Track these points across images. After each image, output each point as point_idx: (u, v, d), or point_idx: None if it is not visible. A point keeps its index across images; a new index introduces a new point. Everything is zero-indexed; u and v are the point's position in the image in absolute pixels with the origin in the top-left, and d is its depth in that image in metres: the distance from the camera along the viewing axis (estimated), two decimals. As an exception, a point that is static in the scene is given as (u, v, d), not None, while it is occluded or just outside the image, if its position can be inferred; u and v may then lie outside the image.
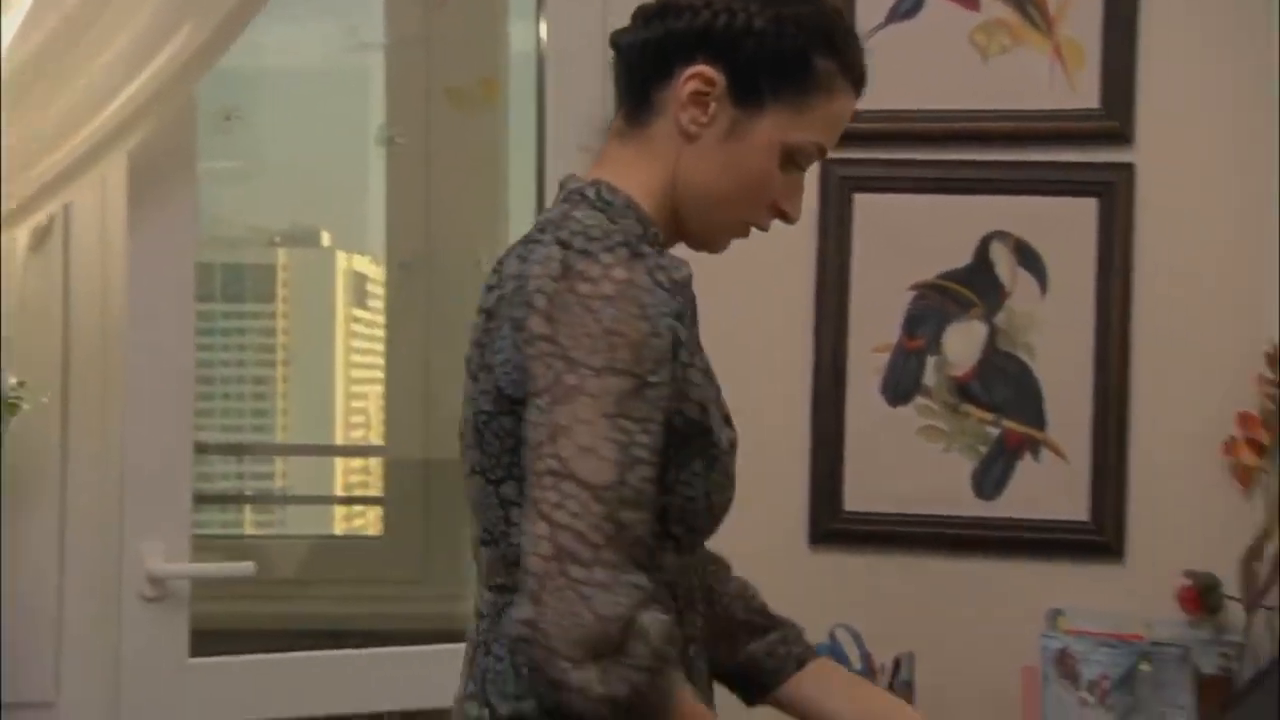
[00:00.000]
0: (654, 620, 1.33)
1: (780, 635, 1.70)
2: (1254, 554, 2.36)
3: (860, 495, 2.58)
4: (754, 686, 1.69)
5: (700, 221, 1.57)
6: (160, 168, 2.25)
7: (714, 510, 1.51)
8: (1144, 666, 2.31)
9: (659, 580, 1.45)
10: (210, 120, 2.92)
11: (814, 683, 1.68)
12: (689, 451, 1.47)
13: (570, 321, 1.39)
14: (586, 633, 1.30)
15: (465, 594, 2.93)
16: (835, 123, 1.57)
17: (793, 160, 1.55)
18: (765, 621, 1.71)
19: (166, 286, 2.29)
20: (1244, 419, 2.43)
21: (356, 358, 3.68)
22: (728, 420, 1.54)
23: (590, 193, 1.53)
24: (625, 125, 1.57)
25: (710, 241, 1.61)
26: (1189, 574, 2.40)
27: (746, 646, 1.68)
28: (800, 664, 1.68)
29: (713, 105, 1.52)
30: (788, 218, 1.59)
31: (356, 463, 3.82)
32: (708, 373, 1.52)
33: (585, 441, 1.35)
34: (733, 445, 1.52)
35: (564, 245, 1.43)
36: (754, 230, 1.60)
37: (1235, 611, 2.39)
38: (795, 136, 1.54)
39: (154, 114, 2.11)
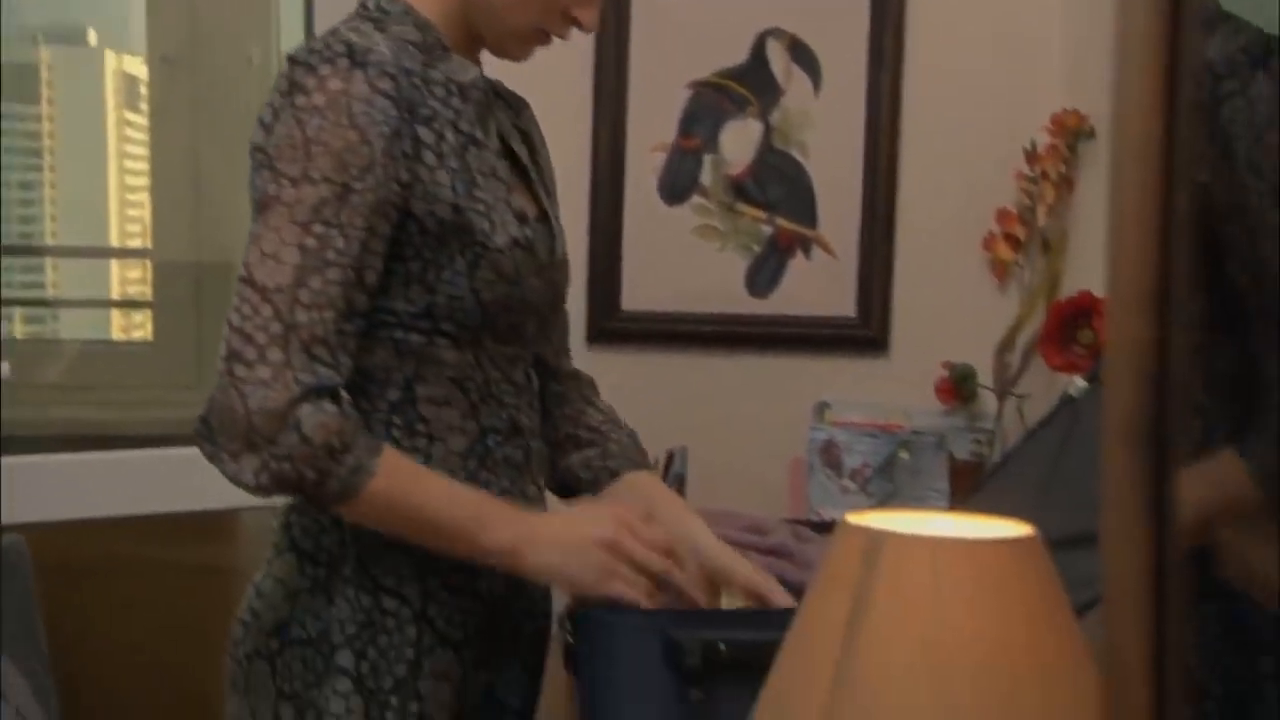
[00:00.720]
0: (313, 413, 1.40)
1: (600, 450, 1.74)
2: (1006, 345, 2.47)
3: (637, 294, 2.61)
4: (573, 497, 1.75)
5: (492, 29, 1.59)
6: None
7: (488, 307, 1.53)
8: (903, 454, 2.41)
9: (442, 376, 1.53)
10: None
11: (617, 489, 1.73)
12: (448, 250, 1.51)
13: (280, 133, 1.45)
14: (239, 427, 1.40)
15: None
16: None
17: None
18: (589, 436, 1.75)
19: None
20: (1002, 215, 2.52)
21: (130, 163, 3.54)
22: (524, 219, 1.56)
23: (370, 3, 1.56)
24: None
25: (507, 48, 1.62)
26: (947, 365, 2.50)
27: (566, 460, 1.75)
28: (614, 476, 1.73)
29: None
30: (581, 25, 1.59)
31: (134, 271, 3.71)
32: (494, 174, 1.55)
33: (269, 248, 1.43)
34: (519, 244, 1.54)
35: (293, 61, 1.47)
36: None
37: (988, 400, 2.51)
38: None
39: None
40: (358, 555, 1.53)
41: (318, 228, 1.43)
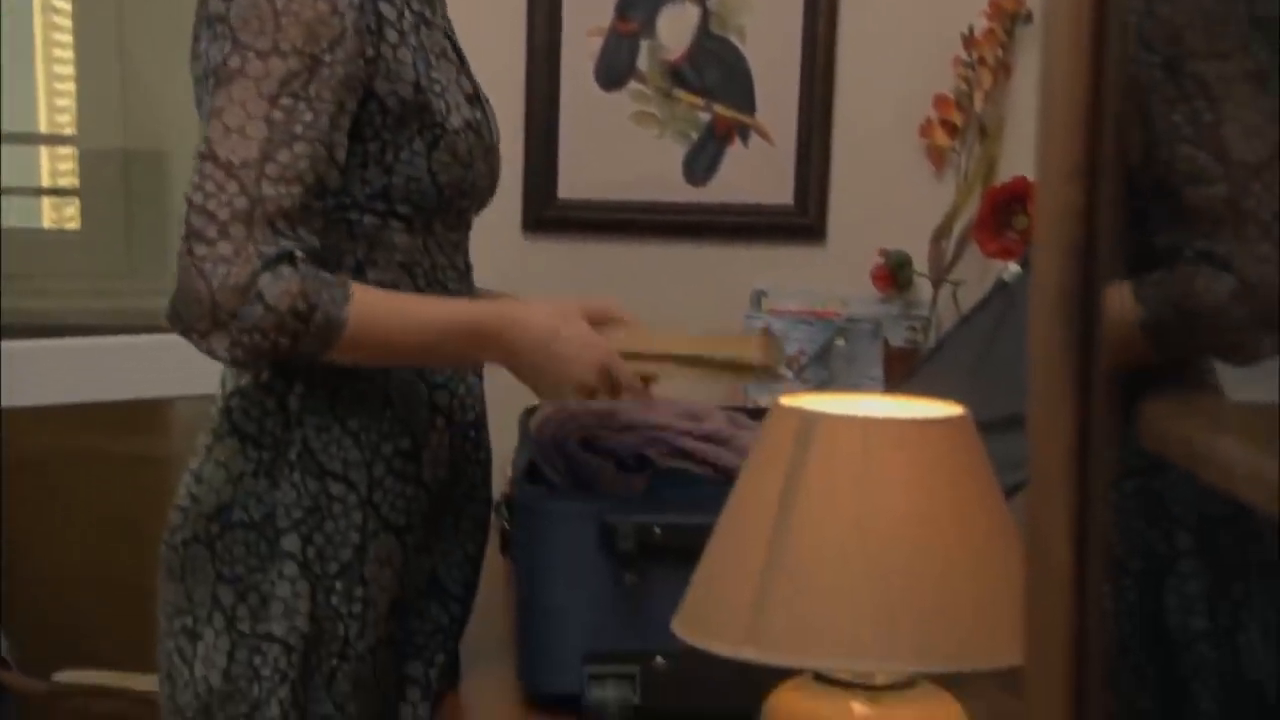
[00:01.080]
0: (273, 281, 1.38)
1: None
2: (942, 232, 2.47)
3: (573, 183, 2.59)
4: None
5: None
6: None
7: (444, 190, 1.53)
8: (839, 342, 2.42)
9: (392, 260, 1.52)
10: None
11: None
12: (407, 131, 1.50)
13: (244, 3, 1.41)
14: (204, 307, 1.38)
15: (170, 288, 2.88)
16: None
17: None
18: None
19: None
20: (939, 101, 2.51)
21: (58, 51, 3.46)
22: (472, 101, 1.56)
23: None
24: None
25: None
26: (883, 253, 2.51)
27: None
28: None
29: None
30: None
31: (65, 164, 3.64)
32: (444, 54, 1.54)
33: (234, 123, 1.40)
34: (470, 126, 1.54)
35: None
36: None
37: (924, 287, 2.52)
38: None
39: None
40: (303, 439, 1.52)
41: (285, 101, 1.40)
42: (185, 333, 1.41)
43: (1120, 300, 1.56)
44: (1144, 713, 1.70)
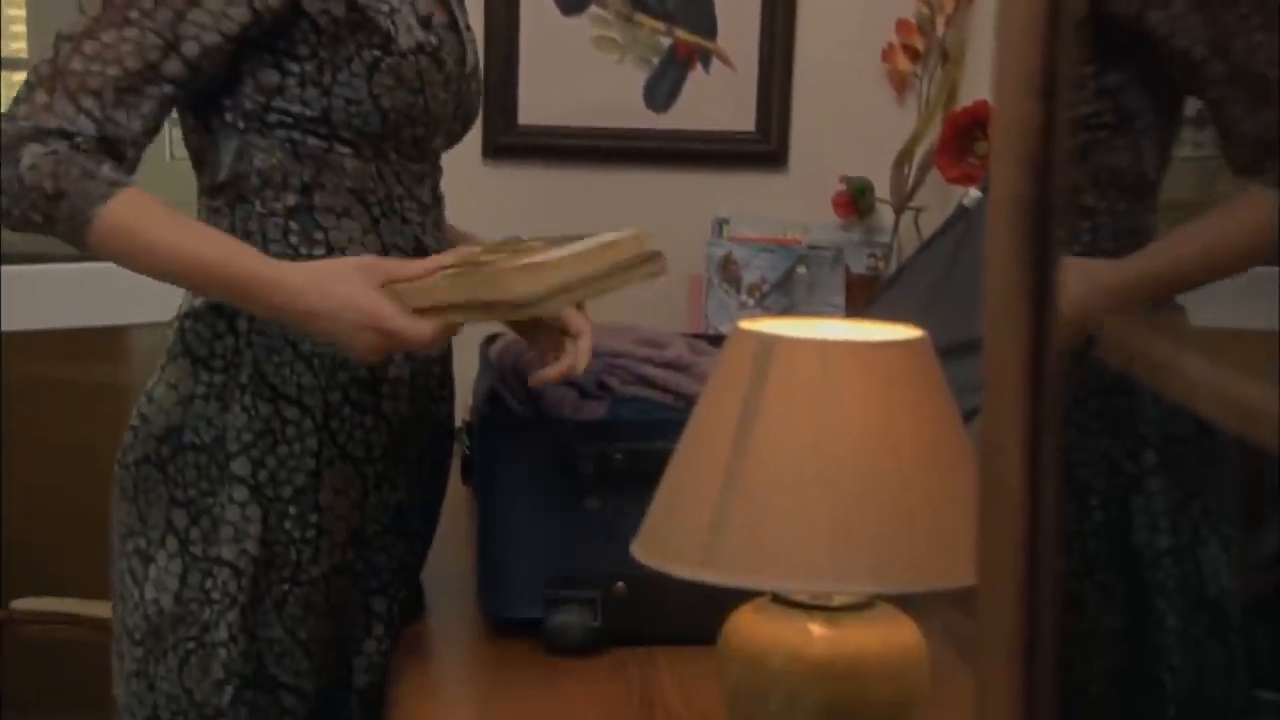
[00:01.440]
0: (34, 152, 1.38)
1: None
2: (904, 158, 2.46)
3: (534, 108, 2.56)
4: None
5: None
6: None
7: (389, 115, 1.50)
8: (800, 269, 2.42)
9: (342, 186, 1.51)
10: None
11: None
12: (344, 51, 1.47)
13: None
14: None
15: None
16: None
17: None
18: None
19: None
20: (901, 25, 2.49)
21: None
22: (426, 24, 1.53)
23: None
24: None
25: None
26: (845, 179, 2.50)
27: None
28: None
29: None
30: None
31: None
32: None
33: (86, 2, 1.42)
34: (423, 50, 1.51)
35: None
36: None
37: (886, 214, 2.51)
38: None
39: None
40: (254, 362, 1.51)
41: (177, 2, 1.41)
42: None
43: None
44: (1112, 631, 1.72)
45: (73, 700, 2.21)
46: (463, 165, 2.52)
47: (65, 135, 1.39)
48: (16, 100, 1.41)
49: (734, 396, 1.08)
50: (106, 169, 1.40)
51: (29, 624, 2.18)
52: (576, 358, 1.52)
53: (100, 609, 1.89)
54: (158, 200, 1.42)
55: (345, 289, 1.39)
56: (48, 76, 1.40)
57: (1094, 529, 1.71)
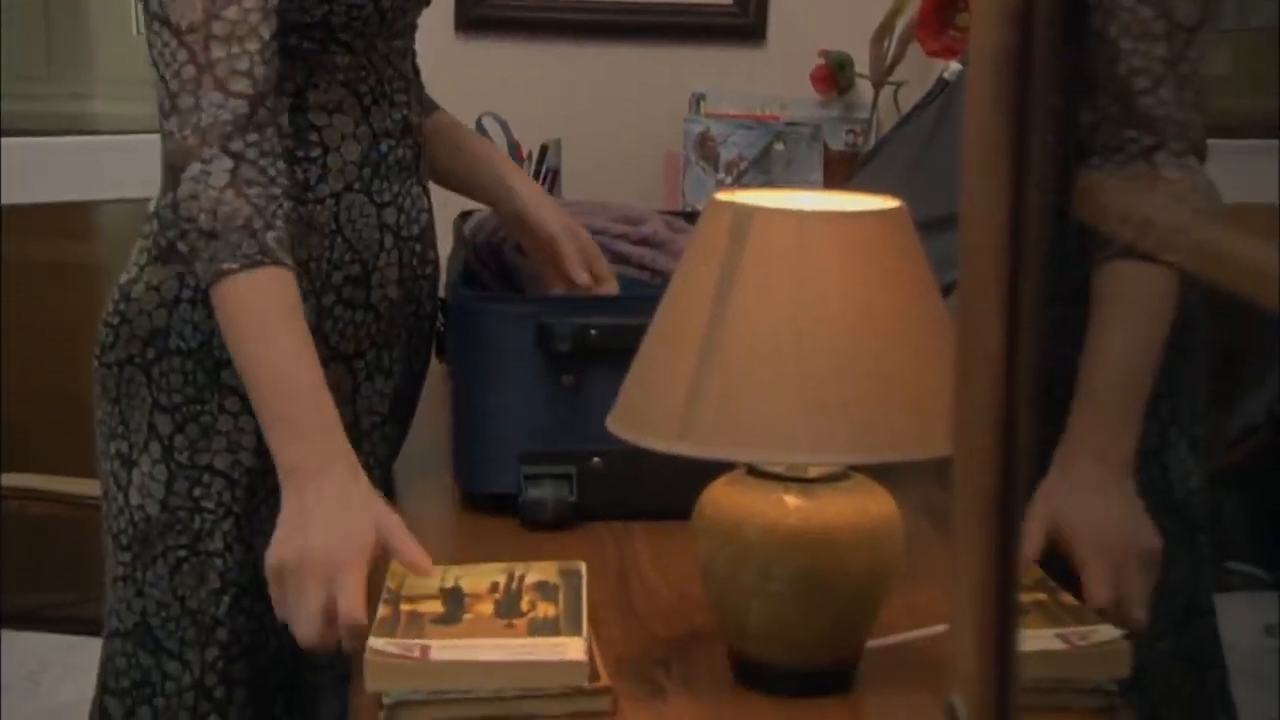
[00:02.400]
0: (193, 179, 1.32)
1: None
2: (884, 31, 2.43)
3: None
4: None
5: None
6: None
7: (386, 14, 1.48)
8: (778, 145, 2.39)
9: (334, 81, 1.48)
10: None
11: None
12: None
13: None
14: (165, 182, 1.36)
15: (94, 93, 2.80)
16: None
17: None
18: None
19: None
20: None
21: None
22: None
23: None
24: None
25: None
26: (824, 54, 2.47)
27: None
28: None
29: None
30: None
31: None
32: None
33: None
34: None
35: None
36: None
37: (865, 90, 2.48)
38: None
39: None
40: None
41: None
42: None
43: None
44: None
45: (64, 579, 2.23)
46: (435, 40, 2.49)
47: (224, 146, 1.32)
48: (163, 111, 1.35)
49: (710, 268, 1.07)
50: (270, 237, 1.32)
51: (10, 500, 2.18)
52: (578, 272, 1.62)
53: (81, 486, 1.89)
54: (290, 293, 1.33)
55: (346, 514, 1.29)
56: (192, 80, 1.33)
57: (1053, 437, 1.71)
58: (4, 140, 2.27)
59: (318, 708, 1.59)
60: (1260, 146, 2.53)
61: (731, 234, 1.07)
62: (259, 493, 1.50)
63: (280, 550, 1.28)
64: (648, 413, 1.11)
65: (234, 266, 1.30)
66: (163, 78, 1.34)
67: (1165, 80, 1.42)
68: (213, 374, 1.49)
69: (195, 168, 1.32)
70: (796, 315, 1.03)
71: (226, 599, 1.49)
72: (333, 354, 1.53)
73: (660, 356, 1.12)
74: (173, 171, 1.34)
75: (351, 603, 1.23)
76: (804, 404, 1.03)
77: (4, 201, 2.28)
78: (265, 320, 1.32)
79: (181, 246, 1.34)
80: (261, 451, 1.48)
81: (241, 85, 1.34)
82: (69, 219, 2.72)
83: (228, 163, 1.32)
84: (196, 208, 1.32)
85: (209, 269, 1.32)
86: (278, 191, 1.34)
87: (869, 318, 1.05)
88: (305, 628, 1.26)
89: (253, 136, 1.34)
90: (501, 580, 1.30)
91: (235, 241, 1.31)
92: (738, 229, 1.07)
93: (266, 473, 1.50)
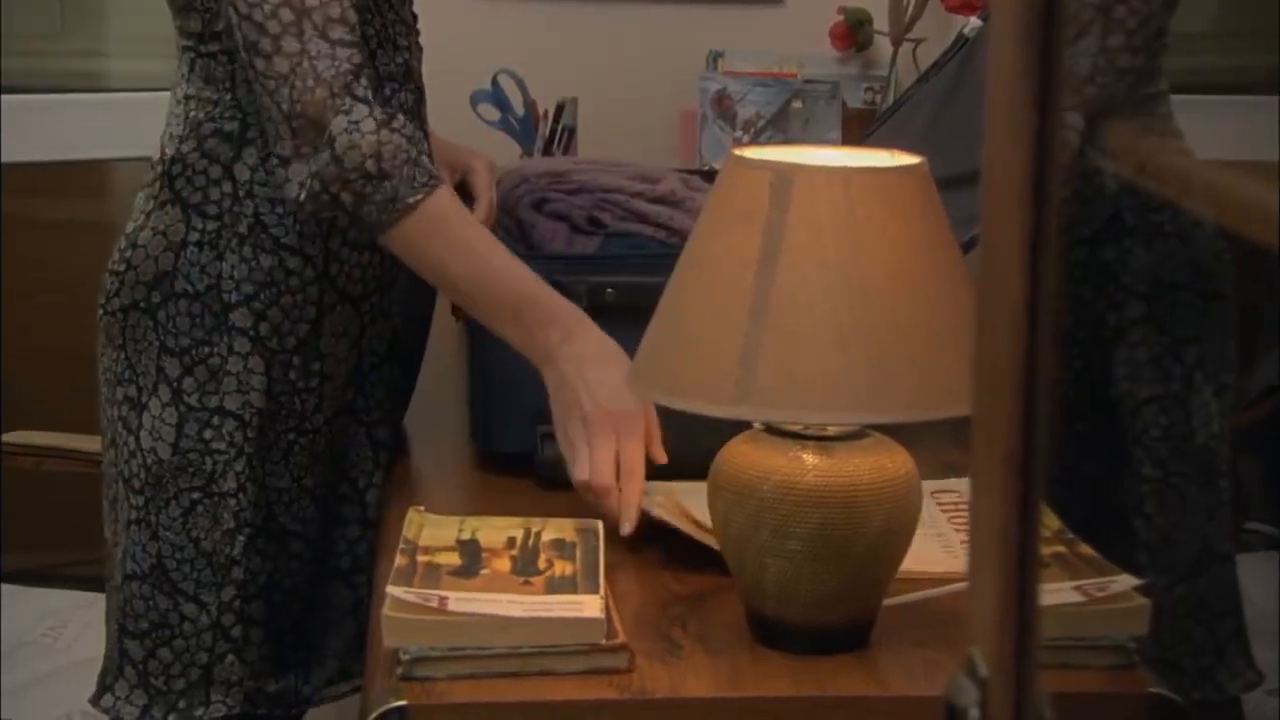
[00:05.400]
0: (347, 129, 1.36)
1: None
2: (902, -12, 2.41)
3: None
4: None
5: None
6: None
7: None
8: (796, 104, 2.38)
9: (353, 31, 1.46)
10: None
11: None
12: None
13: None
14: (284, 129, 1.38)
15: (107, 51, 2.79)
16: None
17: None
18: None
19: None
20: None
21: None
22: None
23: None
24: None
25: None
26: (842, 10, 2.45)
27: None
28: None
29: None
30: None
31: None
32: None
33: None
34: None
35: None
36: None
37: (884, 47, 2.47)
38: None
39: None
40: (255, 213, 1.49)
41: None
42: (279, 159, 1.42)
43: None
44: (1085, 477, 1.73)
45: (66, 536, 2.23)
46: (451, 0, 2.49)
47: (352, 94, 1.36)
48: (261, 54, 1.36)
49: (750, 229, 1.06)
50: (426, 160, 1.39)
51: (18, 457, 2.18)
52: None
53: (90, 443, 1.89)
54: (461, 203, 1.45)
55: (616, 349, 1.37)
56: (291, 21, 1.36)
57: (1073, 377, 1.71)
58: (10, 98, 2.27)
59: (327, 645, 1.60)
60: (1244, 103, 2.53)
61: (772, 194, 1.06)
62: (270, 433, 1.51)
63: (580, 410, 1.36)
64: (694, 378, 1.09)
65: (418, 197, 1.38)
66: (251, 19, 1.37)
67: (1090, 30, 1.38)
68: (220, 316, 1.49)
69: (341, 120, 1.36)
70: (850, 275, 1.03)
71: (241, 539, 1.50)
72: (340, 296, 1.54)
73: (702, 320, 1.10)
74: (310, 125, 1.36)
75: (633, 457, 1.35)
76: (867, 364, 1.03)
77: (5, 160, 2.28)
78: (469, 227, 1.43)
79: (345, 197, 1.37)
80: (272, 393, 1.49)
81: (340, 32, 1.37)
82: (78, 177, 2.71)
83: (364, 109, 1.37)
84: (360, 155, 1.36)
85: (387, 210, 1.37)
86: (404, 118, 1.41)
87: (919, 275, 1.05)
88: (604, 477, 1.34)
89: (366, 78, 1.38)
90: (519, 535, 1.30)
91: (408, 175, 1.38)
92: (780, 189, 1.06)
93: (276, 414, 1.50)
